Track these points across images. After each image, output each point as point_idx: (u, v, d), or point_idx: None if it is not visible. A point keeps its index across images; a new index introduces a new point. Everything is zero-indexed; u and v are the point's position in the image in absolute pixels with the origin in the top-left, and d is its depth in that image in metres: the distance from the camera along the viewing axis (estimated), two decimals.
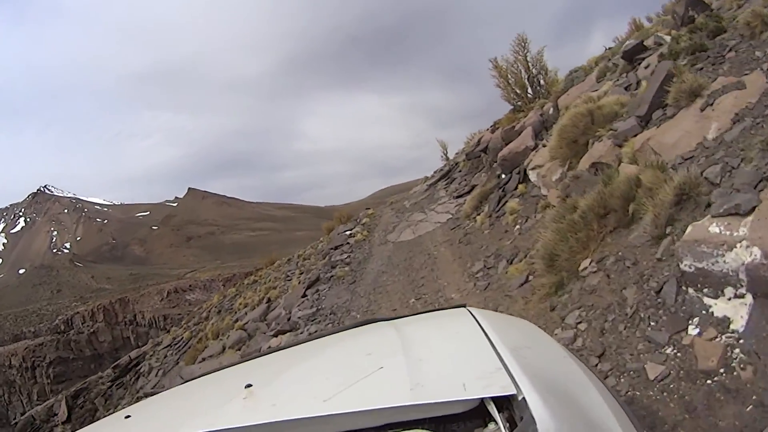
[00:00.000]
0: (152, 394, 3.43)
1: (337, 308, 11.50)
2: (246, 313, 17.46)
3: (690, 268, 4.23)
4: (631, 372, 4.23)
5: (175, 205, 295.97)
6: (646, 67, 9.95)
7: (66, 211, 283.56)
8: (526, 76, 19.22)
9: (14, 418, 42.64)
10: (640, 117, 7.87)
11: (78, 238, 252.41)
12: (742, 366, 3.61)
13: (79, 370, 73.06)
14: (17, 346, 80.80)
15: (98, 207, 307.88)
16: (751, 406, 3.39)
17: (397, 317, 2.86)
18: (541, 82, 19.07)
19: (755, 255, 3.75)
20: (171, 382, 14.22)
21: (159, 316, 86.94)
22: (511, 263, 8.94)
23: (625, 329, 4.70)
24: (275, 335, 11.51)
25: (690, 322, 4.16)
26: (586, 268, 6.02)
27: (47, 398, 44.93)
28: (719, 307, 4.01)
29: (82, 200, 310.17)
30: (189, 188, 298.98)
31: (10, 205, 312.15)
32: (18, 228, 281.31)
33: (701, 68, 7.74)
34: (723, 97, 6.44)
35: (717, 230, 4.08)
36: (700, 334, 4.00)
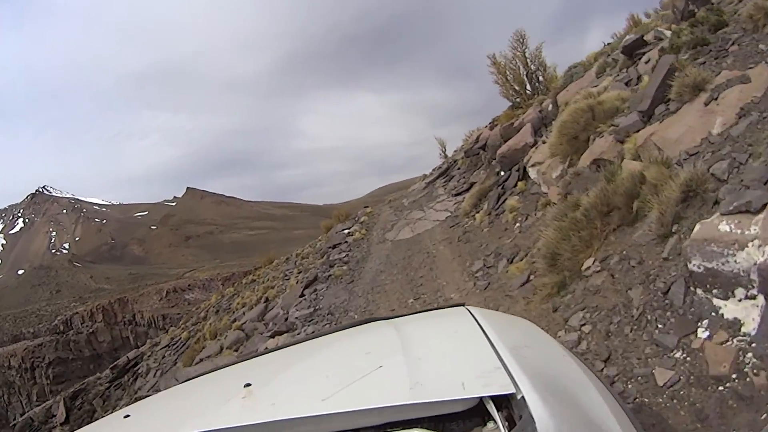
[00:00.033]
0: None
1: (334, 308, 11.38)
2: (244, 313, 17.33)
3: (699, 268, 4.06)
4: (639, 377, 4.04)
5: (173, 204, 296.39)
6: (646, 62, 9.77)
7: (65, 211, 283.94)
8: (525, 73, 19.19)
9: (14, 419, 42.61)
10: (642, 112, 7.68)
11: (77, 239, 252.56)
12: (755, 372, 3.43)
13: (79, 371, 73.08)
14: (16, 346, 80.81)
15: (97, 207, 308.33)
16: (765, 414, 3.22)
17: (396, 316, 2.85)
18: (540, 78, 19.04)
19: None
20: (166, 384, 14.08)
21: (158, 315, 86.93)
22: (512, 262, 8.77)
23: (631, 332, 4.51)
24: (272, 336, 11.39)
25: (699, 324, 3.98)
26: (589, 267, 5.83)
27: (47, 399, 44.94)
28: (729, 309, 3.84)
29: (81, 200, 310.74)
30: (187, 188, 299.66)
31: (9, 205, 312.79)
32: (17, 229, 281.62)
33: (704, 62, 7.56)
34: (727, 91, 6.27)
35: (727, 228, 3.90)
36: (710, 337, 3.82)
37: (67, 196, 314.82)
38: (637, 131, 7.47)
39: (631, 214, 5.80)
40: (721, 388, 3.52)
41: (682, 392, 3.69)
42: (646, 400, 3.83)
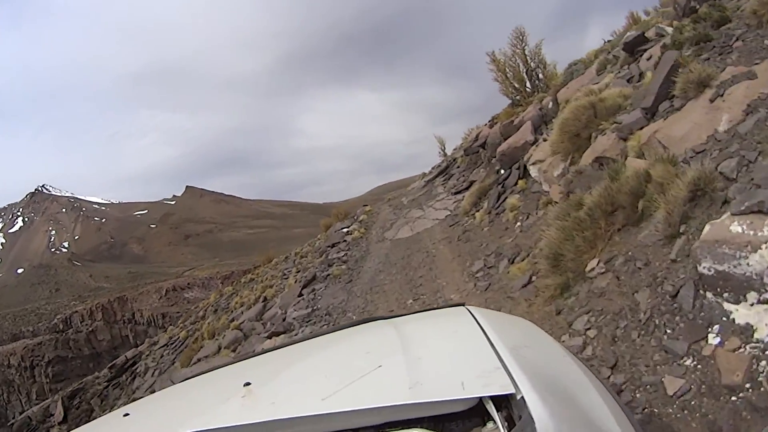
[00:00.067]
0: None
1: (332, 309, 11.28)
2: (242, 313, 17.28)
3: (709, 270, 3.89)
4: (648, 386, 3.87)
5: (173, 203, 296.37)
6: (648, 59, 9.66)
7: (64, 210, 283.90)
8: (525, 70, 19.14)
9: (13, 418, 42.45)
10: (645, 109, 7.54)
11: (76, 237, 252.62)
12: None
13: (78, 369, 73.11)
14: (16, 345, 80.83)
15: (96, 206, 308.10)
16: None
17: (396, 316, 2.83)
18: (540, 75, 19.00)
19: None
20: (161, 386, 13.99)
21: (157, 314, 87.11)
22: (513, 262, 8.62)
23: (639, 337, 4.33)
24: (269, 337, 11.32)
25: (710, 330, 3.80)
26: (593, 268, 5.67)
27: (46, 397, 44.88)
28: (741, 314, 3.67)
29: (80, 199, 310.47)
30: (187, 186, 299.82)
31: (8, 204, 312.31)
32: (16, 228, 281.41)
33: (707, 58, 7.40)
34: (734, 87, 6.11)
35: (739, 229, 3.74)
36: (721, 343, 3.65)
37: (67, 194, 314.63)
38: (641, 128, 7.33)
39: (636, 214, 5.63)
40: (734, 398, 3.35)
41: (693, 402, 3.52)
42: (656, 410, 3.66)
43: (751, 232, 3.66)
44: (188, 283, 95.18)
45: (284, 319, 12.20)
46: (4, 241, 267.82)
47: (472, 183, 16.68)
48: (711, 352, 3.67)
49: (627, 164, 6.54)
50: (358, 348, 2.42)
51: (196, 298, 70.90)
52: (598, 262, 5.66)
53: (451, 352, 2.06)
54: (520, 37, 18.95)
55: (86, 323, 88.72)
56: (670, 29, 9.92)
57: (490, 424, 1.55)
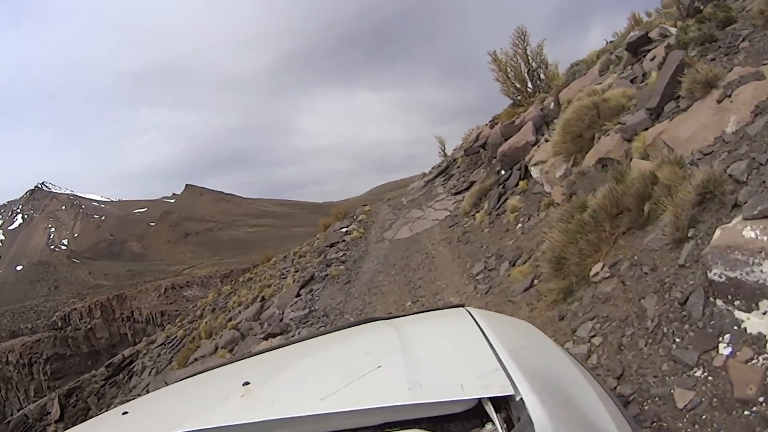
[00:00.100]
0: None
1: (330, 310, 11.17)
2: (240, 312, 17.27)
3: (720, 277, 3.72)
4: (657, 398, 3.69)
5: (172, 201, 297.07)
6: (652, 59, 9.53)
7: (64, 207, 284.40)
8: (526, 70, 19.06)
9: (11, 415, 42.47)
10: (650, 110, 7.39)
11: (75, 235, 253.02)
12: None
13: (76, 367, 73.30)
14: (14, 342, 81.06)
15: (96, 204, 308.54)
16: None
17: (396, 316, 2.87)
18: (542, 76, 18.92)
19: None
20: (155, 387, 13.89)
21: (156, 312, 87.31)
22: (514, 265, 8.46)
23: (646, 346, 4.14)
24: (265, 338, 11.22)
25: (720, 339, 3.63)
26: (597, 273, 5.49)
27: (44, 395, 45.02)
28: (752, 323, 3.51)
29: (80, 197, 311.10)
30: (187, 185, 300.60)
31: (8, 201, 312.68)
32: (16, 225, 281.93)
33: (713, 59, 7.27)
34: (741, 88, 5.95)
35: (752, 235, 3.58)
36: (732, 353, 3.49)
37: (66, 192, 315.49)
38: (646, 129, 7.19)
39: (642, 217, 5.46)
40: (747, 412, 3.17)
41: (704, 416, 3.33)
42: (665, 424, 3.49)
43: (765, 238, 3.50)
44: (187, 282, 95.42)
45: (281, 320, 12.13)
46: (3, 238, 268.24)
47: (472, 183, 16.60)
48: (722, 363, 3.50)
49: (632, 166, 6.39)
50: (357, 348, 2.43)
51: (195, 297, 71.05)
52: (603, 267, 5.49)
53: (451, 353, 2.07)
54: (522, 37, 18.86)
55: (85, 321, 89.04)
56: (673, 30, 9.79)
57: (489, 426, 1.54)
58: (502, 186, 12.82)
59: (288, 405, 1.75)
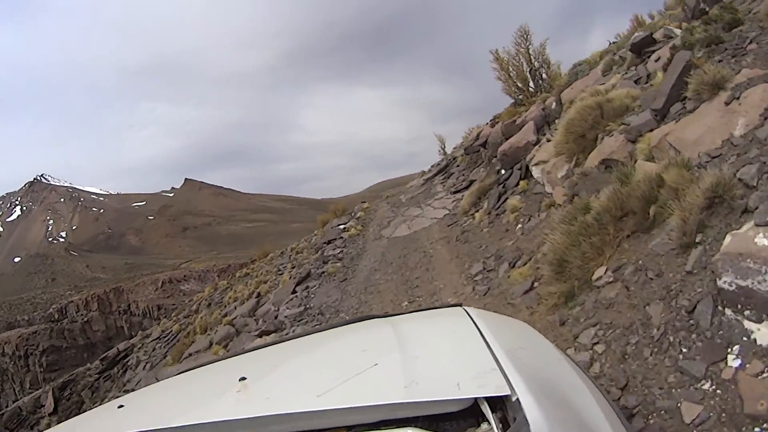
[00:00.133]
0: None
1: (325, 308, 11.06)
2: (235, 308, 17.22)
3: (730, 285, 3.56)
4: (663, 411, 3.51)
5: (171, 195, 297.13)
6: (656, 60, 9.47)
7: (62, 200, 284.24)
8: (528, 69, 18.96)
9: (6, 406, 42.44)
10: (655, 111, 7.26)
11: (74, 227, 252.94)
12: None
13: (72, 359, 73.25)
14: (11, 334, 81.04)
15: (94, 196, 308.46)
16: None
17: (393, 314, 2.86)
18: (544, 75, 18.83)
19: None
20: (147, 383, 13.81)
21: (153, 306, 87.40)
22: (514, 266, 8.30)
23: (651, 355, 3.98)
24: (259, 335, 11.09)
25: (729, 350, 3.47)
26: (600, 277, 5.33)
27: (40, 386, 44.91)
28: (763, 334, 3.35)
29: (79, 189, 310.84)
30: (186, 179, 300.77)
31: (7, 193, 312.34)
32: (14, 216, 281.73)
33: (720, 60, 7.18)
34: (750, 90, 5.82)
35: (765, 242, 3.43)
36: (742, 366, 3.33)
37: (65, 184, 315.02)
38: (651, 131, 7.07)
39: (647, 220, 5.31)
40: (757, 429, 3.02)
41: None
42: None
43: None
44: (184, 276, 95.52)
45: (276, 317, 12.05)
46: (1, 229, 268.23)
47: (471, 182, 16.54)
48: (731, 376, 3.34)
49: (637, 167, 6.26)
50: (354, 345, 2.41)
51: (192, 291, 71.08)
52: (606, 271, 5.33)
53: (448, 352, 2.06)
54: (524, 36, 18.71)
55: (81, 313, 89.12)
56: (678, 31, 9.79)
57: (484, 425, 1.55)
58: (502, 185, 12.72)
59: (284, 401, 1.75)
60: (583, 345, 4.71)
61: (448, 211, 15.64)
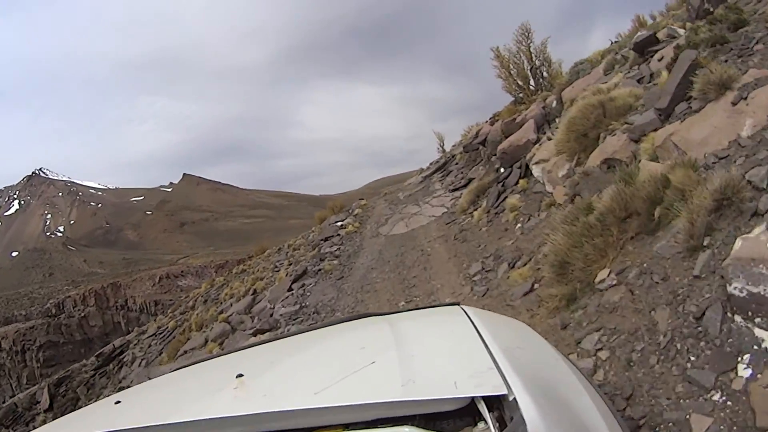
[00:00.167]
0: None
1: (321, 306, 10.94)
2: (231, 305, 17.11)
3: (741, 292, 3.41)
4: (671, 424, 3.33)
5: (169, 190, 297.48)
6: (659, 60, 9.37)
7: (60, 194, 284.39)
8: (529, 67, 18.88)
9: (3, 402, 42.40)
10: (660, 110, 7.15)
11: (72, 222, 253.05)
12: None
13: (69, 355, 73.21)
14: (8, 329, 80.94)
15: (93, 191, 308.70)
16: None
17: (391, 312, 2.87)
18: (544, 74, 18.74)
19: None
20: (138, 382, 13.74)
21: (150, 301, 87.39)
22: (513, 267, 8.17)
23: (658, 363, 3.81)
24: (254, 334, 11.01)
25: (739, 359, 3.32)
26: (603, 280, 5.17)
27: (37, 382, 44.91)
28: None
29: (77, 184, 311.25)
30: (184, 174, 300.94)
31: (5, 187, 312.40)
32: (12, 210, 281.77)
33: (726, 60, 7.05)
34: (758, 90, 5.71)
35: None
36: (753, 376, 3.17)
37: (64, 179, 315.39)
38: (655, 130, 6.96)
39: (652, 222, 5.17)
40: None
41: None
42: None
43: None
44: (182, 271, 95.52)
45: (271, 315, 11.96)
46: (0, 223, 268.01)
47: (470, 180, 16.50)
48: (742, 386, 3.17)
49: (641, 167, 6.13)
50: (352, 343, 2.40)
51: (190, 287, 71.10)
52: (609, 273, 5.17)
53: (445, 351, 2.06)
54: (526, 34, 18.61)
55: (79, 308, 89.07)
56: (682, 31, 9.69)
57: (481, 425, 1.55)
58: (501, 184, 12.62)
59: (281, 398, 1.76)
60: (586, 351, 4.53)
61: (446, 210, 15.56)
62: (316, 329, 3.06)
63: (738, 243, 3.62)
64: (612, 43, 15.73)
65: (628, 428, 1.77)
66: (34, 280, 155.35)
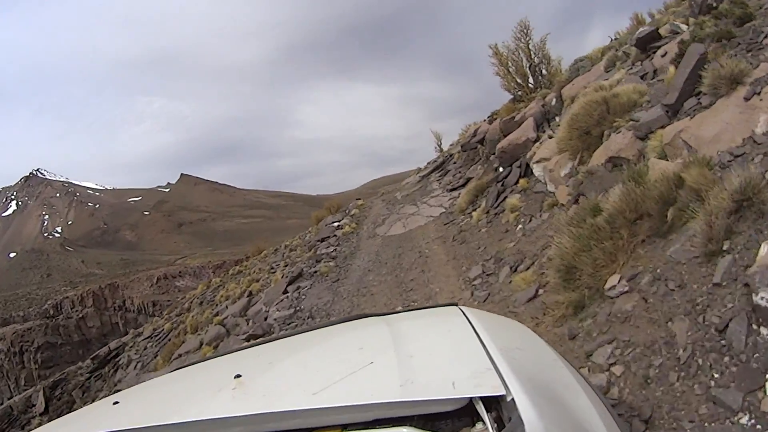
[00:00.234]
0: None
1: (316, 311, 10.71)
2: (227, 307, 16.97)
3: None
4: None
5: (167, 190, 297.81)
6: (663, 56, 9.17)
7: (58, 195, 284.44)
8: (528, 65, 18.70)
9: (1, 403, 42.41)
10: (667, 106, 6.90)
11: (69, 223, 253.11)
12: None
13: (67, 356, 73.30)
14: (5, 330, 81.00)
15: (90, 191, 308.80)
16: None
17: (389, 313, 2.86)
18: (543, 71, 18.55)
19: None
20: (128, 386, 13.56)
21: (148, 302, 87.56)
22: (516, 271, 7.89)
23: (678, 381, 3.49)
24: (247, 339, 10.73)
25: (767, 377, 3.05)
26: (614, 286, 4.85)
27: (34, 383, 44.82)
28: None
29: (75, 184, 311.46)
30: (182, 174, 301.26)
31: (2, 188, 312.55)
32: (10, 211, 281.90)
33: (734, 55, 6.80)
34: None
35: None
36: None
37: (61, 179, 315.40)
38: (662, 127, 6.71)
39: (665, 224, 4.87)
40: None
41: None
42: None
43: None
44: (180, 272, 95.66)
45: (266, 319, 11.78)
46: None
47: (468, 180, 16.38)
48: None
49: (650, 166, 5.86)
50: (350, 344, 2.40)
51: (188, 287, 71.27)
52: (620, 279, 4.86)
53: (443, 351, 2.05)
54: (524, 31, 18.40)
55: (77, 309, 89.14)
56: (685, 27, 9.63)
57: (479, 425, 1.53)
58: (500, 183, 12.45)
59: (279, 399, 1.75)
60: (598, 365, 4.20)
61: (444, 210, 15.42)
62: (314, 330, 3.03)
63: (764, 248, 3.35)
64: (612, 40, 15.58)
65: (628, 429, 1.77)
66: (31, 281, 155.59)
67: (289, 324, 10.52)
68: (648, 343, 3.95)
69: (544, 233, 8.02)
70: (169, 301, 65.13)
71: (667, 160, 5.91)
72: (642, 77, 9.28)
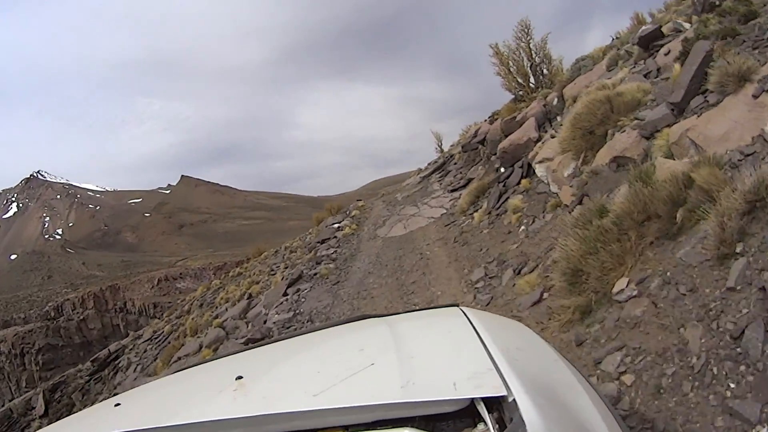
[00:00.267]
0: None
1: (316, 314, 10.58)
2: (226, 309, 16.89)
3: None
4: None
5: (167, 192, 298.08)
6: (666, 54, 9.09)
7: (59, 196, 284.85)
8: (529, 64, 18.55)
9: (2, 405, 42.45)
10: (673, 104, 6.80)
11: (70, 224, 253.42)
12: None
13: (68, 358, 73.67)
14: (7, 332, 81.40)
15: (91, 193, 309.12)
16: None
17: (390, 314, 2.86)
18: (545, 71, 18.40)
19: None
20: (123, 390, 13.46)
21: (149, 303, 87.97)
22: (519, 273, 7.74)
23: (692, 391, 3.34)
24: (245, 344, 10.59)
25: None
26: (622, 290, 4.70)
27: (36, 385, 44.83)
28: None
29: (75, 186, 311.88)
30: (182, 176, 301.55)
31: (3, 190, 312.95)
32: (10, 213, 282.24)
33: (739, 53, 6.68)
34: None
35: None
36: None
37: (62, 181, 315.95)
38: (668, 126, 6.61)
39: (674, 226, 4.73)
40: None
41: None
42: None
43: None
44: (181, 273, 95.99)
45: (265, 322, 11.68)
46: None
47: (469, 181, 16.34)
48: None
49: (657, 165, 5.73)
50: (351, 345, 2.38)
51: (188, 289, 71.35)
52: (629, 283, 4.71)
53: (444, 352, 2.05)
54: (525, 30, 18.29)
55: (78, 311, 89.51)
56: (687, 25, 9.59)
57: (481, 426, 1.54)
58: (502, 184, 12.34)
59: (281, 400, 1.75)
60: (607, 373, 4.04)
61: (445, 211, 15.34)
62: (315, 331, 3.04)
63: None
64: (613, 39, 15.51)
65: (628, 429, 1.76)
66: (32, 283, 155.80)
67: (288, 328, 10.40)
68: (659, 351, 3.80)
69: (548, 235, 7.93)
70: (170, 302, 65.22)
71: (674, 160, 5.79)
72: (645, 76, 9.18)
